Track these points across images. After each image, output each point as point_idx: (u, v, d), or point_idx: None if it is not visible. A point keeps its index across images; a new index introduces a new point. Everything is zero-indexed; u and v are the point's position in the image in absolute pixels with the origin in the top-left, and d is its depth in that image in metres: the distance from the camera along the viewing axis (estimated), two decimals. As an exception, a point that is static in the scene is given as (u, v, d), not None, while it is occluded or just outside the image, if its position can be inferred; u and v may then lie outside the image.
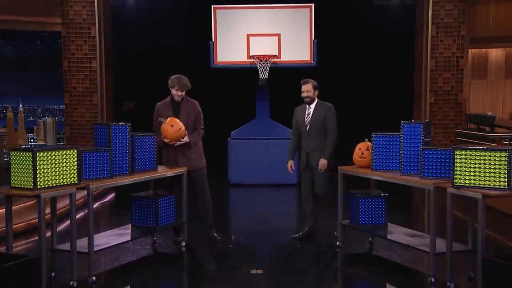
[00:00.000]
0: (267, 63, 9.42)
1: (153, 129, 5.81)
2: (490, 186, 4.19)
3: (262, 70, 9.42)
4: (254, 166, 9.63)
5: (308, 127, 5.92)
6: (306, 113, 5.95)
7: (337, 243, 5.75)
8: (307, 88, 5.91)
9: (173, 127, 5.56)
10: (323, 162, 5.82)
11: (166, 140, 5.63)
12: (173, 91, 5.76)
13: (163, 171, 5.53)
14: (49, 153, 4.29)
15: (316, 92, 5.95)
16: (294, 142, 6.10)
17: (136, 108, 11.98)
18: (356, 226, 5.63)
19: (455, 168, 4.32)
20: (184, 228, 5.80)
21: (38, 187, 4.22)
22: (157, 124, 5.75)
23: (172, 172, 5.61)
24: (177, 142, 5.64)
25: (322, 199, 6.02)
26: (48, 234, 4.98)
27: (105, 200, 8.71)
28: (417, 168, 4.93)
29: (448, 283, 4.47)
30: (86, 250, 4.66)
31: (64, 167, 4.38)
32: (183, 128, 5.62)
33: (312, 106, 5.94)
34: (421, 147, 4.87)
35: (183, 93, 5.77)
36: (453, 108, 10.55)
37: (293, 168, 6.14)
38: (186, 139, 5.68)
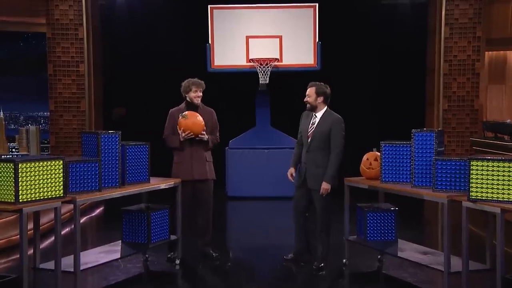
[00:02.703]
0: (268, 67, 9.44)
1: (165, 134, 5.90)
2: (509, 200, 4.19)
3: (262, 74, 9.44)
4: (254, 178, 9.61)
5: (309, 139, 5.56)
6: (311, 122, 5.61)
7: (344, 260, 5.73)
8: (309, 92, 5.60)
9: (198, 117, 5.69)
10: (325, 187, 5.42)
11: (187, 134, 5.66)
12: (192, 94, 5.85)
13: (156, 183, 5.53)
14: (33, 164, 4.29)
15: (320, 99, 5.56)
16: (297, 152, 5.77)
17: (127, 115, 11.98)
18: (364, 242, 5.62)
19: (471, 180, 4.32)
20: (179, 244, 5.79)
21: (20, 200, 4.21)
22: (172, 127, 5.83)
23: (166, 184, 5.62)
24: (199, 136, 5.73)
25: (324, 222, 5.57)
26: (31, 251, 4.96)
27: (93, 215, 8.69)
28: (430, 180, 4.93)
29: (464, 305, 4.45)
30: (72, 269, 4.64)
31: (49, 179, 4.38)
32: (203, 123, 5.75)
33: (318, 115, 5.58)
34: (433, 157, 4.87)
35: (201, 94, 5.88)
36: (469, 115, 10.55)
37: (294, 176, 5.75)
38: (206, 136, 5.79)
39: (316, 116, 5.60)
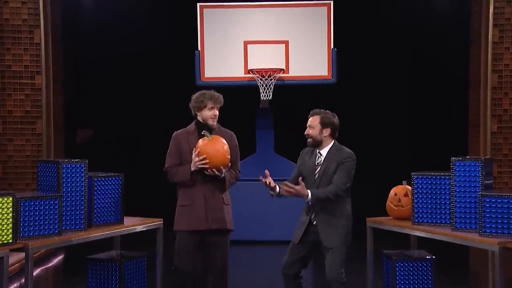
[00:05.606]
0: (271, 79, 9.49)
1: (168, 165, 5.35)
2: None
3: (264, 89, 9.49)
4: (256, 217, 9.60)
5: (317, 182, 5.21)
6: (316, 161, 5.29)
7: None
8: (311, 123, 5.29)
9: (224, 146, 5.24)
10: (304, 192, 5.04)
11: (201, 160, 5.13)
12: (208, 113, 5.34)
13: (131, 225, 5.52)
14: (-23, 200, 4.30)
15: (327, 131, 5.23)
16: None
17: (95, 139, 12.01)
18: (393, 300, 5.60)
19: (527, 221, 4.32)
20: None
21: (-40, 247, 4.21)
22: (177, 155, 5.35)
23: (144, 225, 5.60)
24: (215, 171, 5.20)
25: None
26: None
27: (50, 265, 8.66)
28: (475, 221, 4.92)
29: None
30: (24, 334, 4.63)
31: (-3, 220, 4.38)
32: (229, 157, 5.30)
33: (324, 152, 5.26)
34: (480, 192, 4.88)
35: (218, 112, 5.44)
36: (524, 139, 10.58)
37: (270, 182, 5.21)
38: (223, 173, 5.30)
39: (321, 154, 5.28)
